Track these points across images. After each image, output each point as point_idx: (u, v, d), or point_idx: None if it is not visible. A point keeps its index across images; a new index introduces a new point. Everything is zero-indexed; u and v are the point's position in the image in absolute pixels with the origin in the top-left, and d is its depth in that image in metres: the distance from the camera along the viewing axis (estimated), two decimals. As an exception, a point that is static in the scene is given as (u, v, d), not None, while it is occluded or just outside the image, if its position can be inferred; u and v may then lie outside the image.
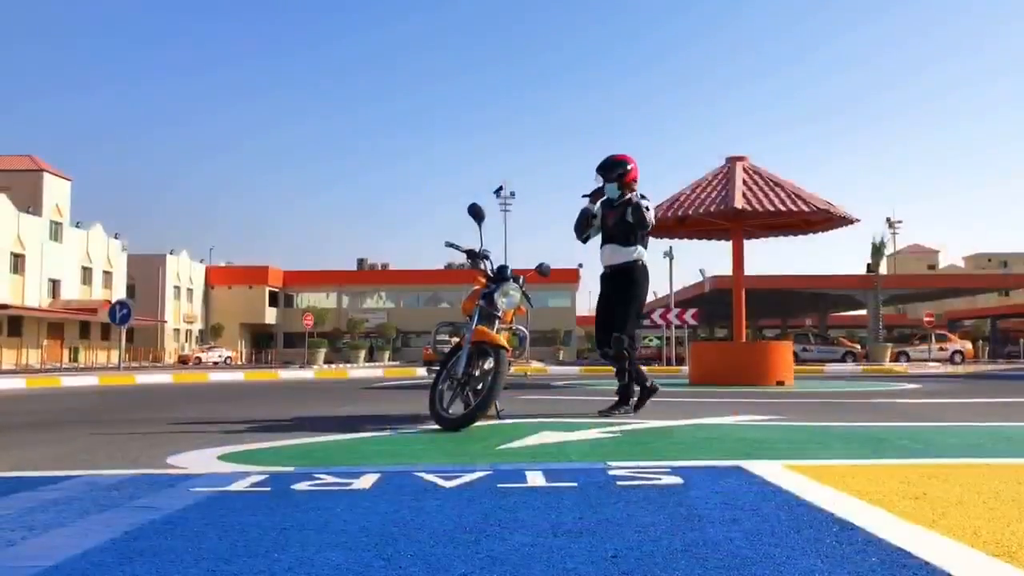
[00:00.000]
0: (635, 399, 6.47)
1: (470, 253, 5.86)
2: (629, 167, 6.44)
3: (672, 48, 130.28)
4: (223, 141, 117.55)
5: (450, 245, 5.97)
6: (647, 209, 6.24)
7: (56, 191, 52.94)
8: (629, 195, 6.41)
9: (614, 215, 6.45)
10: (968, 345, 42.43)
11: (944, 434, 4.92)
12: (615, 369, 6.45)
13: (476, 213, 5.76)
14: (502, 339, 5.35)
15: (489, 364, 5.31)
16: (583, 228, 6.60)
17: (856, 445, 4.25)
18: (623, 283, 6.43)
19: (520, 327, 6.03)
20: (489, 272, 5.81)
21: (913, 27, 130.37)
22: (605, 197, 6.54)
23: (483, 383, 5.27)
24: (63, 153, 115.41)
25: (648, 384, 6.49)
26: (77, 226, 55.24)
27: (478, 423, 5.21)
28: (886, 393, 10.20)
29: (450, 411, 5.23)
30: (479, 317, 5.52)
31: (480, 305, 5.58)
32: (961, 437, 4.74)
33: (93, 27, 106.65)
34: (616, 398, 6.48)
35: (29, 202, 50.31)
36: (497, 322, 5.60)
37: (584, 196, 6.54)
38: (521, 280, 5.83)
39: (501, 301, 5.58)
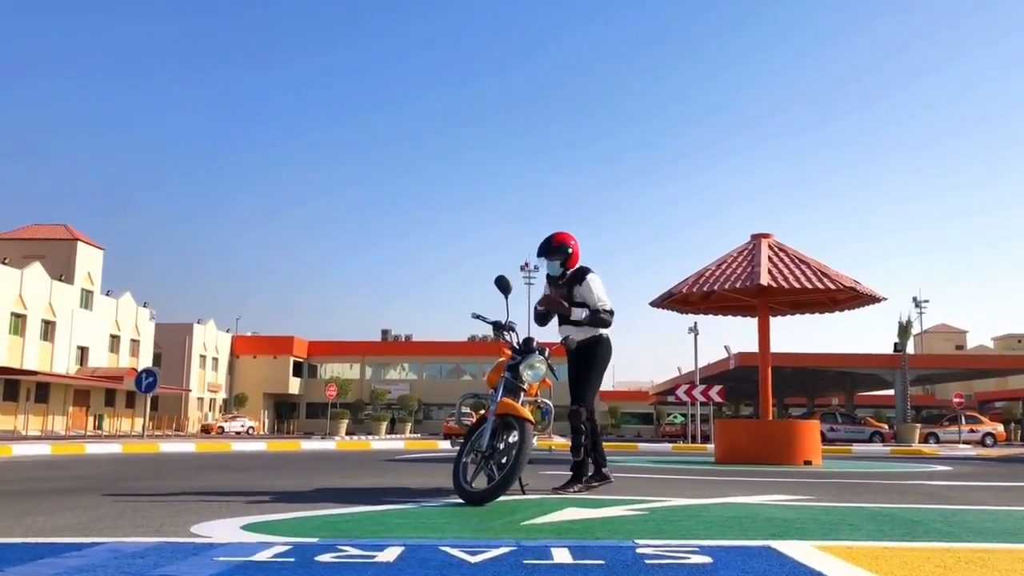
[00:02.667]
0: (587, 476, 6.20)
1: (496, 325, 5.88)
2: (570, 250, 6.27)
3: (691, 121, 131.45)
4: (253, 216, 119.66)
5: (477, 317, 5.99)
6: (608, 311, 6.13)
7: (88, 260, 53.92)
8: (578, 277, 6.20)
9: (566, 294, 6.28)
10: (1000, 427, 41.43)
11: (980, 517, 4.80)
12: (570, 444, 6.24)
13: (503, 286, 5.80)
14: (527, 412, 5.32)
15: (514, 437, 5.26)
16: (547, 319, 6.40)
17: (888, 526, 4.16)
18: (586, 357, 6.29)
19: (545, 400, 6.01)
20: (515, 344, 5.82)
21: (946, 125, 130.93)
22: (546, 274, 6.39)
23: (507, 457, 5.22)
24: (93, 221, 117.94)
25: (606, 469, 6.30)
26: (107, 294, 56.03)
27: (502, 497, 5.16)
28: (916, 474, 9.99)
29: (474, 484, 5.18)
30: (504, 389, 5.50)
31: (506, 377, 5.57)
32: (998, 521, 4.62)
33: (119, 108, 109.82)
34: (570, 474, 6.21)
35: (62, 270, 51.25)
36: (522, 394, 5.58)
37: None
38: (547, 353, 5.83)
39: (527, 373, 5.57)
